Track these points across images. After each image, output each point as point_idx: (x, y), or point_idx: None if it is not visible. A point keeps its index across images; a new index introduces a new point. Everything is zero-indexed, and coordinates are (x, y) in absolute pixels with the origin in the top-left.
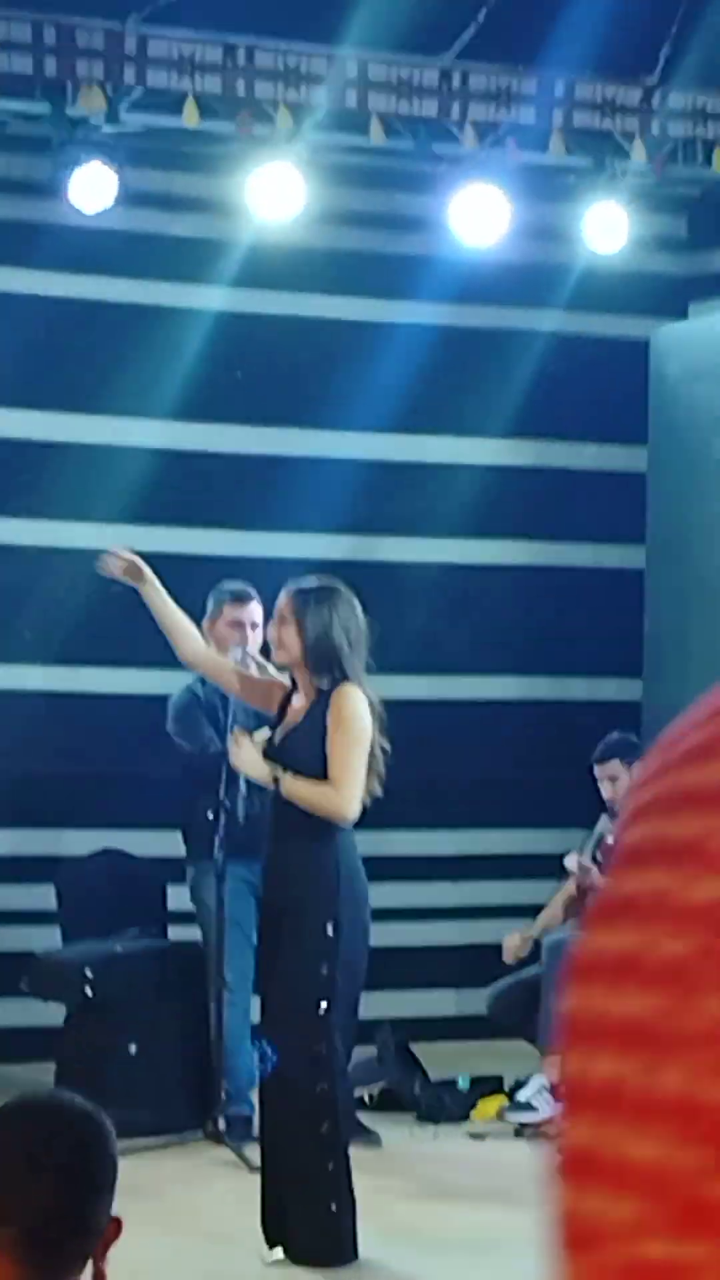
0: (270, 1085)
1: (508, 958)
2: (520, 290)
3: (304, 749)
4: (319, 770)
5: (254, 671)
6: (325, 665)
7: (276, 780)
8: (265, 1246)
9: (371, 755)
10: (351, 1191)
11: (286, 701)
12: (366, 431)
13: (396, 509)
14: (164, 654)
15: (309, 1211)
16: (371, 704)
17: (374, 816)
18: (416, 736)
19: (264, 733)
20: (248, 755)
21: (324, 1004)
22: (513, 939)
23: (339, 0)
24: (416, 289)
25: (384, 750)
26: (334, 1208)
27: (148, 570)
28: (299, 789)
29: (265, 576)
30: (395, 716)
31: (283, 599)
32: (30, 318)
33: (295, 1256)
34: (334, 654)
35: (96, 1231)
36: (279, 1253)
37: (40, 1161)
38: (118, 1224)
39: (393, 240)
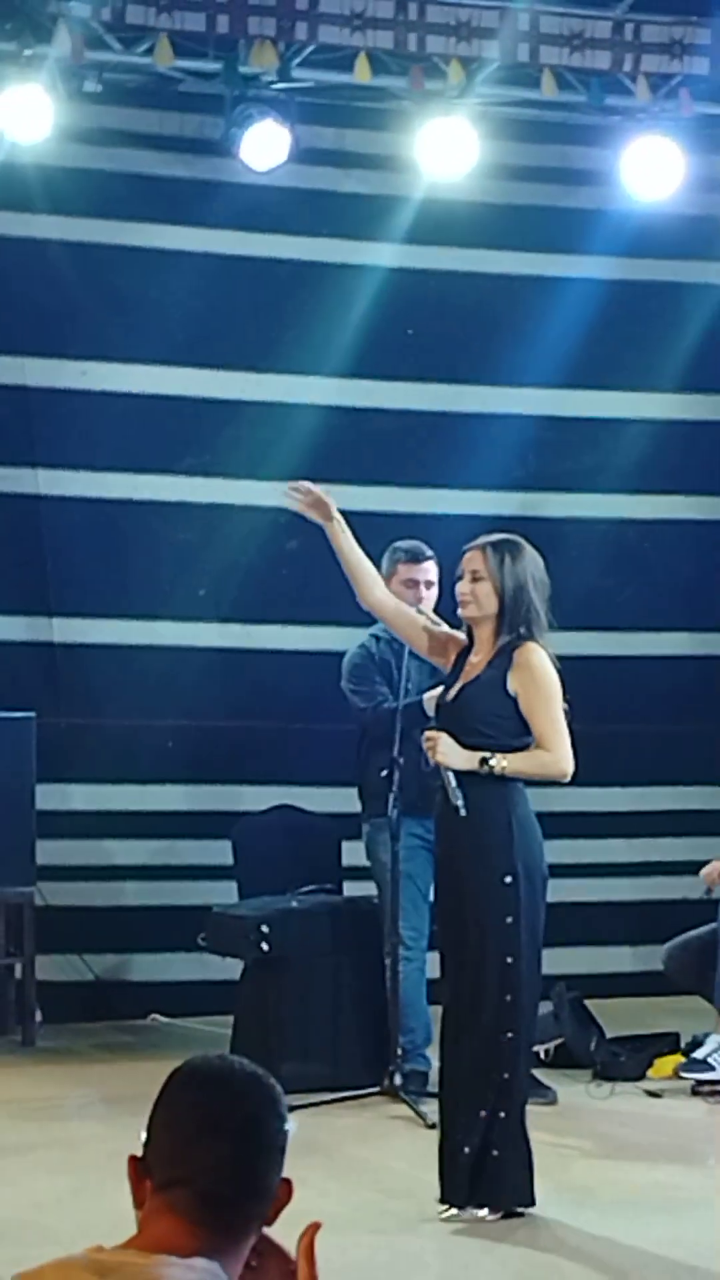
0: (456, 1037)
1: (710, 881)
2: (693, 243)
3: (482, 703)
4: (501, 724)
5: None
6: (517, 621)
7: (484, 762)
8: (440, 1201)
9: None
10: (527, 1140)
11: (462, 657)
12: (537, 387)
13: (567, 465)
14: (338, 610)
15: (483, 1157)
16: (553, 660)
17: None
18: (588, 693)
19: (435, 692)
20: (448, 749)
21: (510, 956)
22: (715, 866)
23: None
24: (589, 243)
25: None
26: (506, 1154)
27: (334, 507)
28: (517, 764)
29: (435, 533)
30: (566, 672)
31: (473, 555)
32: (203, 276)
33: (472, 1202)
34: (528, 609)
35: (269, 1193)
36: (456, 1208)
37: (215, 1124)
38: (289, 1186)
39: (565, 194)
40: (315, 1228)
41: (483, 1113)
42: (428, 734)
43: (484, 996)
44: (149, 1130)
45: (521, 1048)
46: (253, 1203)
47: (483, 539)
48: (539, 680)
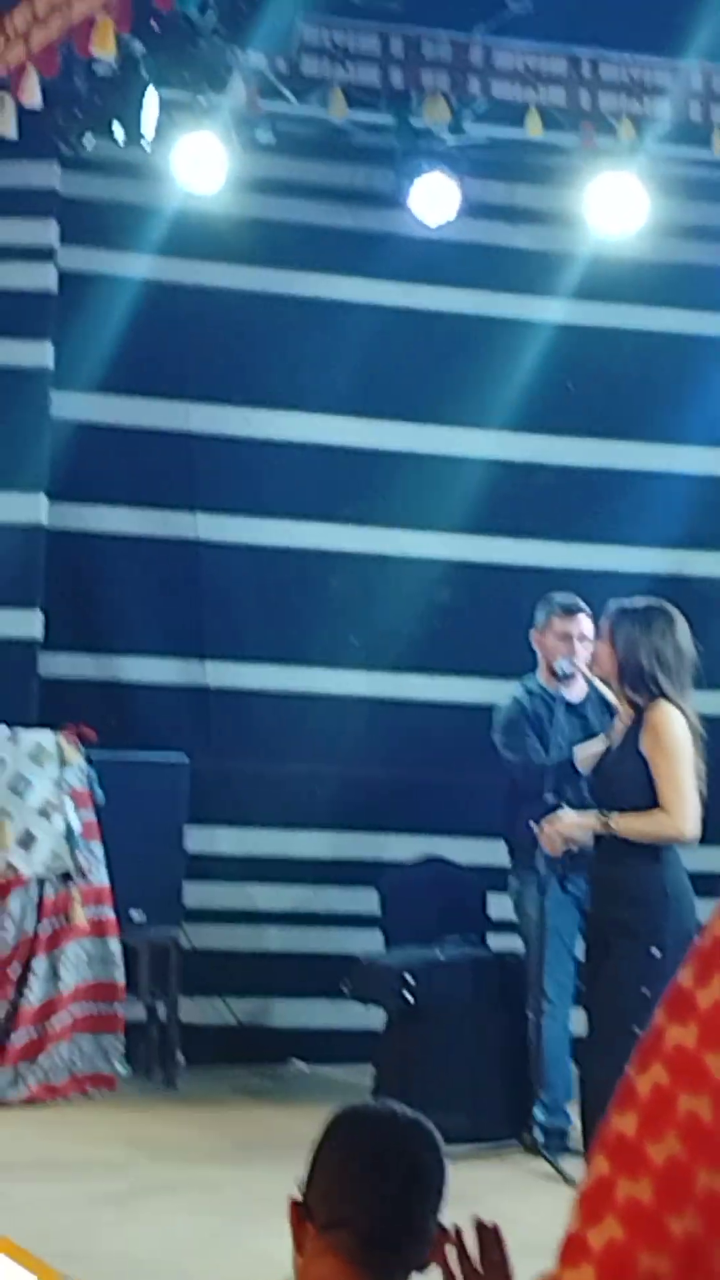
0: (593, 1100)
1: None
2: None
3: (621, 766)
4: (638, 787)
5: (579, 682)
6: (636, 684)
7: (607, 825)
8: None
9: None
10: None
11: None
12: (699, 445)
13: None
14: (489, 662)
15: None
16: (690, 723)
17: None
18: None
19: (593, 744)
20: (567, 824)
21: (639, 1026)
22: None
23: (685, 11)
24: None
25: (700, 774)
26: None
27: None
28: (633, 824)
29: (594, 589)
30: (714, 733)
31: (604, 616)
32: (369, 327)
33: None
34: (642, 673)
35: (428, 1237)
36: None
37: (381, 1164)
38: (446, 1233)
39: None
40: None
41: None
42: (543, 824)
43: (608, 1063)
44: (310, 1173)
45: None
46: (412, 1246)
47: (617, 602)
48: (661, 739)
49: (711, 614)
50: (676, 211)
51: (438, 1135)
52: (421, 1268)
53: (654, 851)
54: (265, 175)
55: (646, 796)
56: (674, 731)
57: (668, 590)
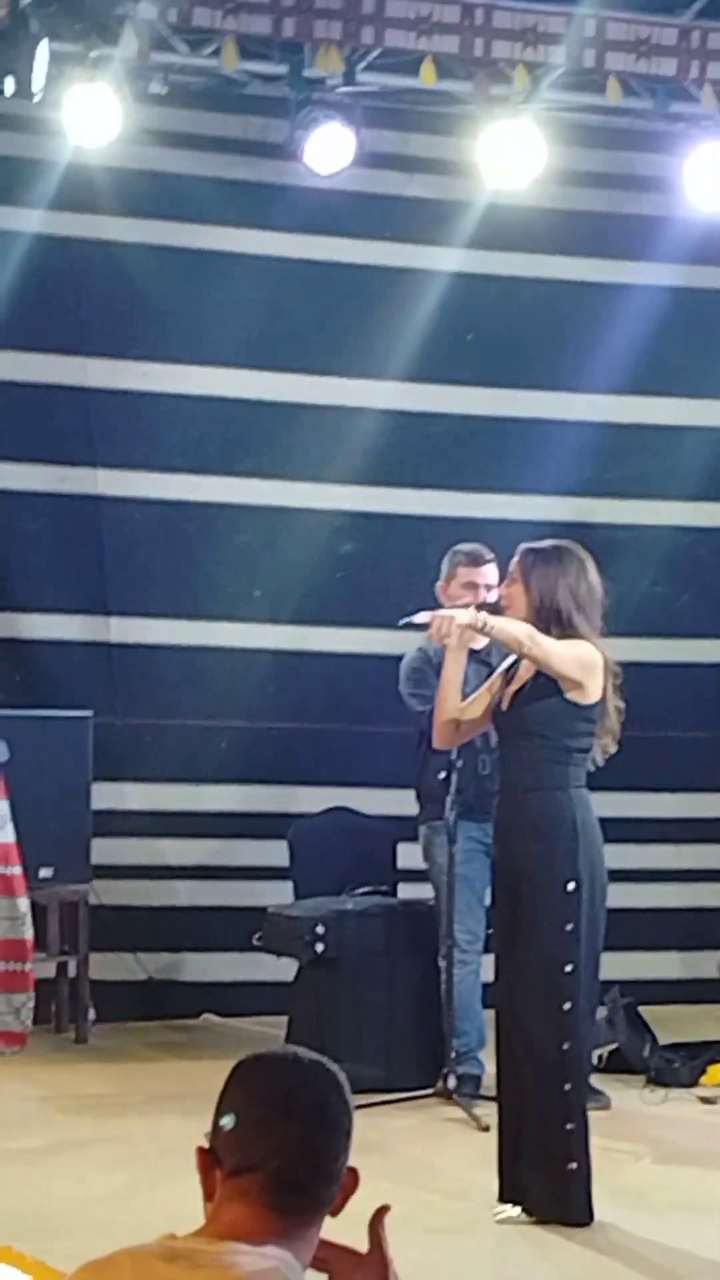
0: (512, 1043)
1: None
2: None
3: (540, 699)
4: (556, 725)
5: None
6: (552, 624)
7: (484, 627)
8: (498, 1203)
9: (605, 712)
10: (589, 1151)
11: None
12: (598, 393)
13: (626, 471)
14: (393, 614)
15: (548, 1169)
16: (606, 661)
17: (601, 778)
18: (641, 699)
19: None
20: (449, 615)
21: (569, 964)
22: None
23: None
24: (651, 250)
25: (618, 709)
26: (573, 1166)
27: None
28: (501, 622)
29: (494, 538)
30: (623, 679)
31: (514, 559)
32: (266, 278)
33: (533, 1212)
34: (558, 615)
35: (337, 1177)
36: (512, 1210)
37: (283, 1107)
38: (355, 1174)
39: (628, 201)
40: (384, 1211)
41: (568, 1125)
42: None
43: (541, 1004)
44: (216, 1120)
45: (580, 1056)
46: (322, 1185)
47: (525, 545)
48: (575, 646)
49: (614, 561)
50: (572, 159)
51: (342, 1076)
52: (334, 1211)
53: (563, 789)
54: (158, 127)
55: (570, 734)
56: (588, 647)
57: (570, 538)
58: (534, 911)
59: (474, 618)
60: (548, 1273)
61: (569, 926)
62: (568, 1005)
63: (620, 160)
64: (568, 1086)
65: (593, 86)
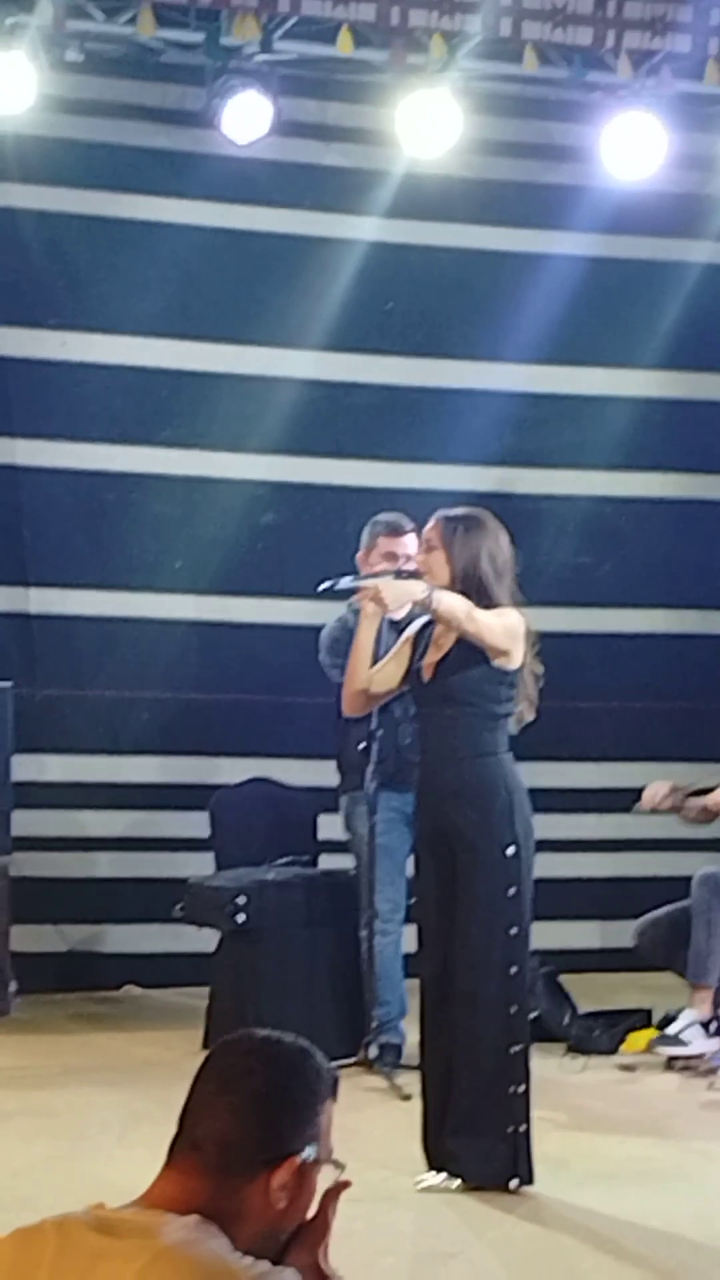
0: (460, 1008)
1: (645, 807)
2: (673, 220)
3: (456, 673)
4: (483, 691)
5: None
6: (473, 593)
7: (428, 602)
8: (423, 1171)
9: (523, 679)
10: (530, 1115)
11: (425, 631)
12: (516, 363)
13: (546, 441)
14: (314, 583)
15: (488, 1135)
16: (527, 627)
17: (521, 748)
18: (563, 669)
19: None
20: (392, 589)
21: (514, 927)
22: (657, 787)
23: None
24: (569, 219)
25: (536, 675)
26: (522, 1129)
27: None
28: (447, 599)
29: (414, 508)
30: (541, 649)
31: (431, 527)
32: (183, 247)
33: (465, 1179)
34: (480, 582)
35: (267, 1149)
36: (435, 1178)
37: (219, 1084)
38: (302, 1170)
39: (545, 170)
40: (343, 1186)
41: (514, 1089)
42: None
43: (485, 970)
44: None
45: (526, 1020)
46: (249, 1153)
47: (441, 512)
48: (501, 615)
49: (534, 531)
50: (489, 128)
51: (304, 1056)
52: (280, 1186)
53: (492, 752)
54: (74, 95)
55: (495, 700)
56: (519, 626)
57: (488, 507)
58: (474, 879)
59: (425, 594)
60: (468, 1239)
61: (511, 891)
62: (514, 969)
63: (537, 130)
64: (515, 1049)
65: (509, 55)
